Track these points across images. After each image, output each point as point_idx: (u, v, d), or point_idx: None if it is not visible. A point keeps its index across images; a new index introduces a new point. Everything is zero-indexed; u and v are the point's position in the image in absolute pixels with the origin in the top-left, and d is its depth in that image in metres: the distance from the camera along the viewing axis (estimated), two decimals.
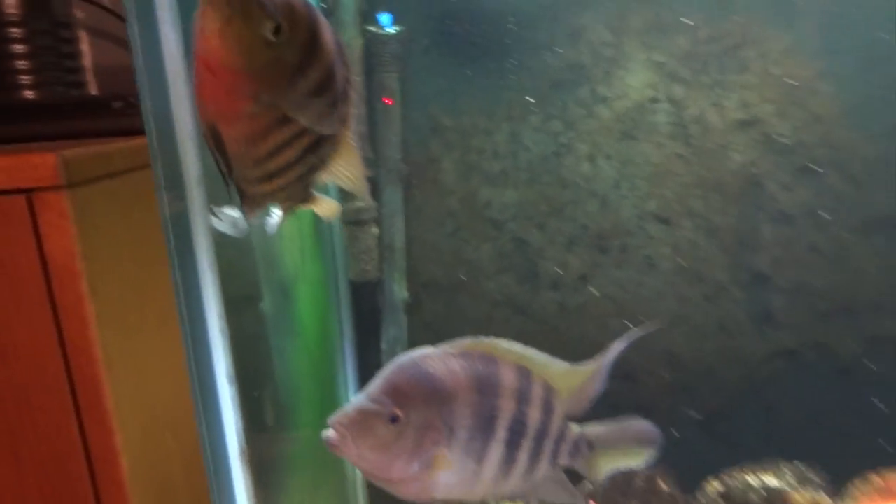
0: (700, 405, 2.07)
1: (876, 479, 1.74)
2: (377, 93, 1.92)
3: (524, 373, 0.94)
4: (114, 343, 1.11)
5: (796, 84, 1.84)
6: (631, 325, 2.05)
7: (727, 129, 1.88)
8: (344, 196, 1.97)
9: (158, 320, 1.25)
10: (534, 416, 0.94)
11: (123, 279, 1.17)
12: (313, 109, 0.78)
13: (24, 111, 1.53)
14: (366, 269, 1.98)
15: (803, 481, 1.83)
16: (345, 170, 0.87)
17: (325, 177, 0.87)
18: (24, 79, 1.57)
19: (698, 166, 1.92)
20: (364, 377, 2.11)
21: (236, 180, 0.80)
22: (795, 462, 1.94)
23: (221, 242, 1.00)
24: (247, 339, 1.20)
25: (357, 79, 1.83)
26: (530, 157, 1.97)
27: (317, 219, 1.82)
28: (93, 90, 1.80)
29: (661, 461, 1.08)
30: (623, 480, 1.87)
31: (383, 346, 2.08)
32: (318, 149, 0.83)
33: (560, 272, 2.03)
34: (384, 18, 1.86)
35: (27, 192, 1.00)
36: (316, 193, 0.91)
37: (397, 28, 1.87)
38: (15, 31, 1.54)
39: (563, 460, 1.00)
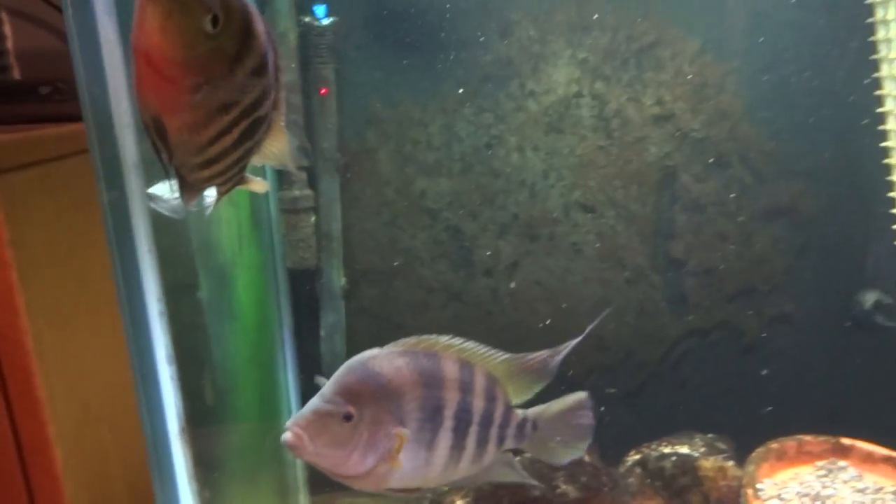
0: (621, 383, 2.20)
1: (773, 445, 1.91)
2: (313, 84, 1.95)
3: (466, 365, 1.01)
4: (46, 333, 1.09)
5: (706, 82, 1.98)
6: (560, 310, 2.16)
7: (644, 123, 2.01)
8: (281, 184, 2.00)
9: (92, 309, 1.24)
10: (478, 404, 1.01)
11: (55, 268, 1.15)
12: (250, 95, 0.80)
13: None
14: (304, 256, 2.02)
15: (712, 450, 1.99)
16: (273, 148, 0.91)
17: (256, 158, 0.92)
18: None
19: (619, 158, 2.04)
20: (303, 362, 2.14)
21: (176, 168, 0.82)
22: (707, 433, 2.11)
23: (159, 229, 1.02)
24: (185, 323, 1.22)
25: (284, 63, 1.84)
26: (463, 148, 2.05)
27: (255, 207, 1.85)
28: (17, 74, 1.76)
29: None
30: None
31: (322, 332, 2.12)
32: (254, 133, 0.87)
33: (492, 259, 2.12)
34: (319, 10, 1.89)
35: None
36: (247, 174, 0.95)
37: (332, 19, 1.90)
38: None
39: (511, 443, 1.07)
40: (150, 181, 1.02)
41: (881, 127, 1.81)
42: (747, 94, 1.98)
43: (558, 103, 2.00)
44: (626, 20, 1.94)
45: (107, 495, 1.27)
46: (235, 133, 0.84)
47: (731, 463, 1.93)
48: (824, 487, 1.80)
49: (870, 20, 1.78)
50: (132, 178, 0.94)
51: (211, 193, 0.94)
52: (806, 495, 1.78)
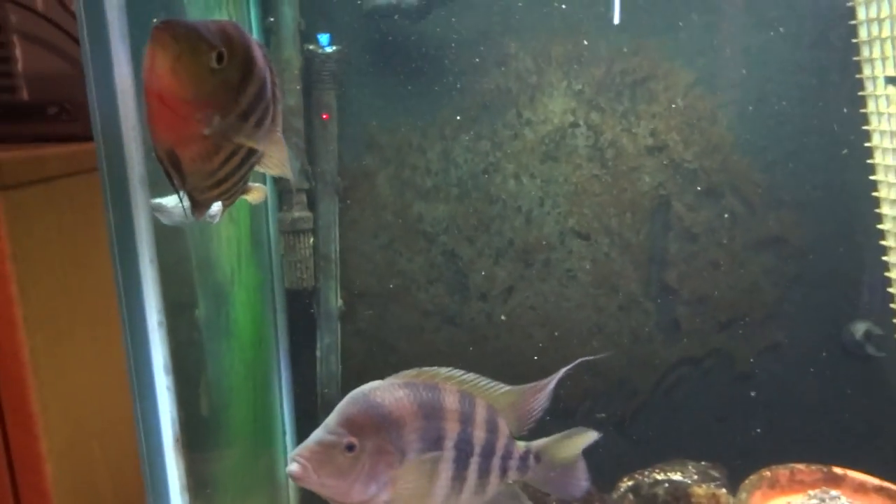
0: (615, 409, 2.21)
1: (766, 473, 1.91)
2: (315, 109, 2.00)
3: (467, 397, 1.03)
4: (43, 347, 1.09)
5: (698, 115, 2.03)
6: (555, 336, 2.18)
7: (638, 153, 2.06)
8: (281, 206, 2.03)
9: (90, 325, 1.25)
10: (479, 435, 1.03)
11: (55, 283, 1.17)
12: (254, 118, 0.86)
13: None
14: (301, 277, 2.04)
15: (705, 477, 1.99)
16: (274, 159, 0.96)
17: (258, 167, 0.96)
18: None
19: (613, 187, 2.08)
20: (298, 382, 2.15)
21: (189, 191, 0.87)
22: (700, 461, 2.11)
23: (161, 246, 1.05)
24: (183, 338, 1.24)
25: (285, 84, 1.88)
26: (461, 174, 2.09)
27: (255, 227, 1.88)
28: (25, 95, 1.80)
29: None
30: None
31: (318, 352, 2.13)
32: (257, 149, 0.93)
33: (488, 283, 2.15)
34: (323, 38, 1.95)
35: None
36: (249, 183, 1.00)
37: (336, 47, 1.96)
38: None
39: (514, 475, 1.09)
40: (155, 195, 1.05)
41: (869, 161, 1.86)
42: (739, 126, 2.03)
43: (554, 132, 2.05)
44: (620, 53, 2.00)
45: None
46: (242, 153, 0.88)
47: (723, 490, 1.93)
48: None
49: (856, 58, 1.84)
50: (137, 192, 0.97)
51: (217, 205, 0.98)
52: None
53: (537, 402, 1.10)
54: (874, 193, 1.86)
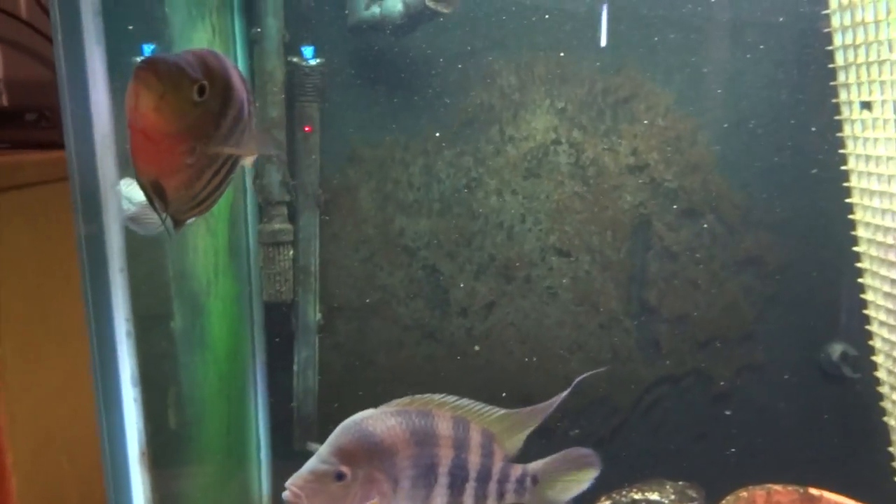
0: (594, 428, 2.21)
1: (743, 493, 1.91)
2: (298, 121, 2.00)
3: (460, 422, 1.05)
4: (11, 356, 1.08)
5: (679, 135, 2.06)
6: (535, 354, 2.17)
7: (620, 172, 2.07)
8: (261, 217, 2.02)
9: (61, 337, 1.23)
10: (474, 460, 1.04)
11: (26, 293, 1.15)
12: (233, 139, 0.89)
13: None
14: (280, 290, 2.02)
15: (682, 497, 1.99)
16: (247, 162, 0.99)
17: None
18: None
19: (595, 205, 2.09)
20: (275, 396, 2.12)
21: (171, 213, 0.89)
22: (677, 481, 2.11)
23: (136, 256, 1.03)
24: (155, 349, 1.22)
25: (253, 99, 1.89)
26: (443, 189, 2.09)
27: (233, 238, 1.86)
28: (5, 101, 1.78)
29: None
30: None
31: (295, 366, 2.11)
32: (235, 165, 0.94)
33: (468, 299, 2.14)
34: (307, 51, 1.95)
35: None
36: None
37: (319, 60, 1.97)
38: None
39: (511, 498, 1.09)
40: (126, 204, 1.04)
41: (845, 183, 1.88)
42: (718, 147, 2.06)
43: (536, 149, 2.06)
44: (602, 73, 2.02)
45: None
46: (222, 173, 0.91)
47: None
48: None
49: (833, 83, 1.87)
50: (109, 200, 0.96)
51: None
52: None
53: (535, 425, 1.10)
54: (850, 216, 1.88)
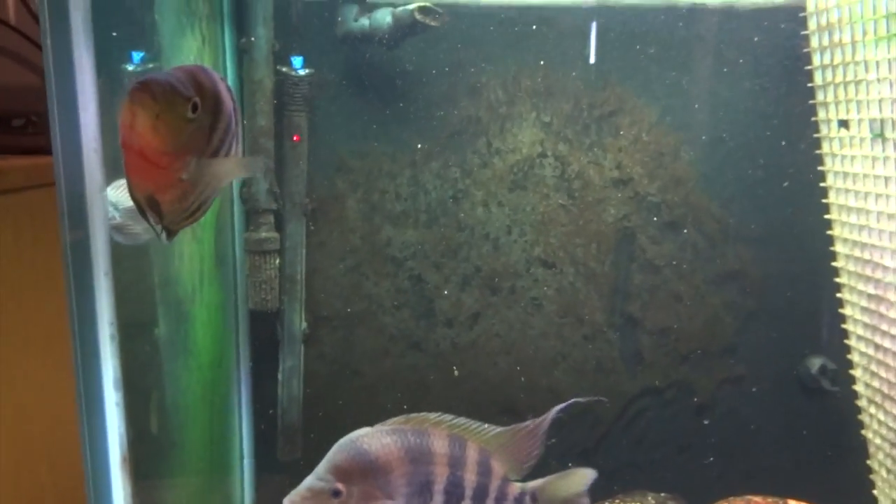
0: (578, 439, 2.22)
1: None
2: (286, 130, 2.01)
3: (457, 440, 1.06)
4: None
5: (662, 150, 2.09)
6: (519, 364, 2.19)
7: (604, 185, 2.10)
8: (248, 225, 2.02)
9: (44, 340, 1.23)
10: (470, 478, 1.05)
11: (9, 299, 1.14)
12: (224, 149, 0.91)
13: None
14: (266, 298, 2.02)
15: None
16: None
17: None
18: None
19: (579, 217, 2.12)
20: (259, 404, 2.12)
21: (165, 225, 0.91)
22: (660, 492, 2.12)
23: (121, 264, 1.03)
24: (139, 354, 1.21)
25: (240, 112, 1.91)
26: (430, 200, 2.11)
27: (219, 245, 1.86)
28: None
29: None
30: None
31: (280, 375, 2.10)
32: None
33: (454, 310, 2.15)
34: (297, 61, 1.97)
35: None
36: None
37: (308, 70, 1.98)
38: None
39: None
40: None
41: (824, 200, 1.92)
42: (701, 162, 2.09)
43: (522, 162, 2.09)
44: (588, 88, 2.05)
45: None
46: (214, 184, 0.93)
47: None
48: None
49: (812, 101, 1.92)
50: (95, 204, 0.96)
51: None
52: None
53: (533, 442, 1.11)
54: (829, 231, 1.92)
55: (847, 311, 1.90)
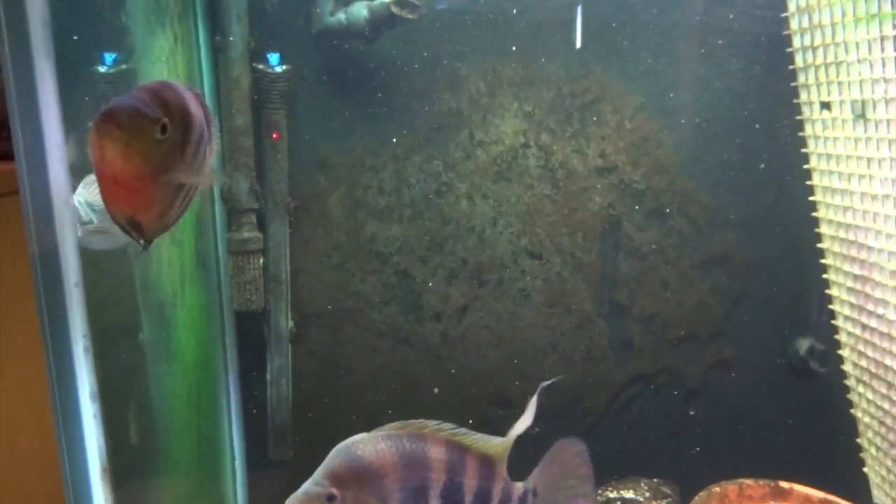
0: (569, 428, 2.22)
1: (715, 489, 1.93)
2: (265, 128, 1.98)
3: (454, 446, 1.06)
4: None
5: (646, 137, 2.08)
6: (511, 356, 2.18)
7: (588, 174, 2.09)
8: (230, 226, 2.00)
9: (26, 351, 1.20)
10: (470, 483, 1.06)
11: None
12: (196, 164, 0.91)
13: None
14: (251, 299, 2.00)
15: (657, 494, 2.01)
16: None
17: None
18: None
19: (564, 207, 2.10)
20: (248, 406, 2.10)
21: (146, 237, 0.91)
22: (652, 478, 2.13)
23: (99, 268, 1.01)
24: (120, 362, 1.20)
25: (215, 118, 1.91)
26: (414, 194, 2.09)
27: (200, 247, 1.84)
28: None
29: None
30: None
31: (268, 375, 2.09)
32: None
33: (442, 303, 2.14)
34: (273, 58, 1.94)
35: None
36: None
37: (285, 67, 1.95)
38: None
39: None
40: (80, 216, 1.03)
41: (808, 182, 1.92)
42: (684, 148, 2.09)
43: (506, 153, 2.07)
44: (569, 76, 2.04)
45: None
46: (190, 193, 0.93)
47: None
48: None
49: (794, 83, 1.91)
50: (63, 213, 0.94)
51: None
52: None
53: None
54: (814, 213, 1.92)
55: (833, 291, 1.90)
